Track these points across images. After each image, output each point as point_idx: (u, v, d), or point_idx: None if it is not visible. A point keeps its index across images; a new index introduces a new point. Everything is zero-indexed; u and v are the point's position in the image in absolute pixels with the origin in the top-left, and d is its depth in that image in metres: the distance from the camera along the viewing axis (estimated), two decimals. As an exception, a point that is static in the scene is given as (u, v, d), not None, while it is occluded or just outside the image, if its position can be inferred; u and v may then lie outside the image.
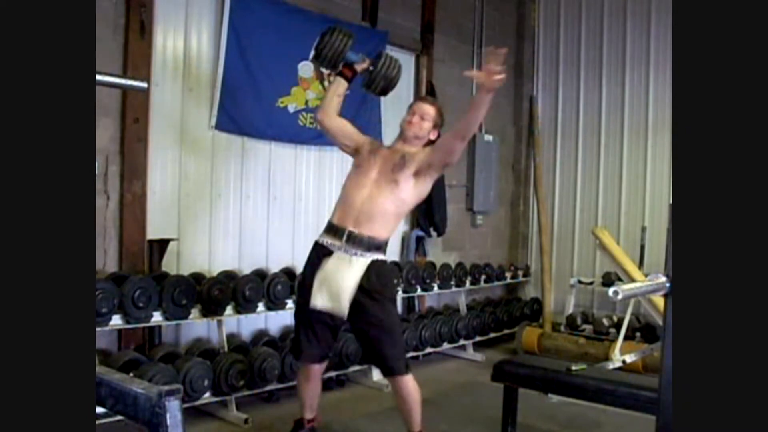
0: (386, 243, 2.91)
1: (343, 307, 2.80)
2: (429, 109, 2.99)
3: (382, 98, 5.15)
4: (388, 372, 2.94)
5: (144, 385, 1.23)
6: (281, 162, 4.55)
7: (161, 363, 3.37)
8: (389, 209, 2.87)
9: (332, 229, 2.89)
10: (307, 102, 4.59)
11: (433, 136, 2.98)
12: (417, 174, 2.88)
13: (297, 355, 3.07)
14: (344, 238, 2.82)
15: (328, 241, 2.88)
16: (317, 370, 3.05)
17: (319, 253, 2.89)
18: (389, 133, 5.24)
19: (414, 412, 2.94)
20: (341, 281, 2.80)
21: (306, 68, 4.57)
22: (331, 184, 4.87)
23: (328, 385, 4.27)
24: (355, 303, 2.80)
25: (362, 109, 5.00)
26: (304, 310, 2.90)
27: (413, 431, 3.00)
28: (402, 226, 5.38)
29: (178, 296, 3.48)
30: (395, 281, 2.96)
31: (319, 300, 2.82)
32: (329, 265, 2.83)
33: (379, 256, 2.86)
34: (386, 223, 2.89)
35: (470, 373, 4.83)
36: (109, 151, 3.63)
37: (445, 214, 5.59)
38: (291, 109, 4.50)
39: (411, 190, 2.91)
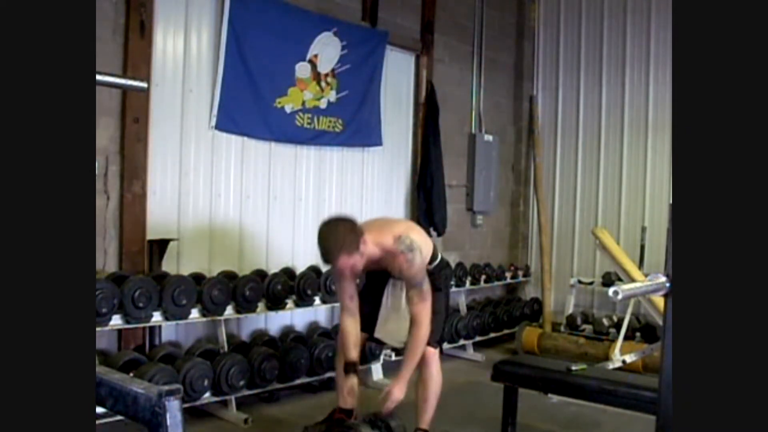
0: (433, 257, 3.16)
1: (402, 342, 3.13)
2: (341, 262, 2.84)
3: (382, 98, 5.18)
4: None
5: (144, 385, 1.22)
6: (281, 162, 4.55)
7: (161, 363, 3.37)
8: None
9: None
10: (304, 102, 4.59)
11: (364, 247, 2.88)
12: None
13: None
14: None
15: None
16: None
17: None
18: (390, 133, 5.26)
19: (430, 401, 3.05)
20: (401, 308, 3.15)
21: (303, 69, 4.57)
22: (331, 184, 4.88)
23: (328, 385, 4.27)
24: None
25: (363, 109, 5.00)
26: (363, 300, 3.20)
27: (421, 428, 3.01)
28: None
29: (178, 296, 3.48)
30: (444, 277, 3.27)
31: (382, 333, 3.19)
32: (391, 288, 3.23)
33: (431, 266, 3.13)
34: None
35: (470, 373, 4.83)
36: (109, 151, 3.63)
37: (445, 214, 5.59)
38: (288, 109, 4.50)
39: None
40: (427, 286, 2.99)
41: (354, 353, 3.13)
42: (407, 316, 3.08)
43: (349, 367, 3.13)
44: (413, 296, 2.98)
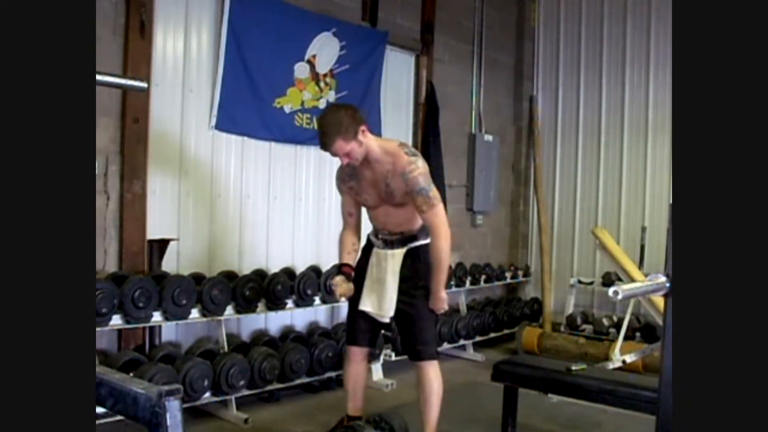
0: (422, 228, 3.04)
1: (387, 315, 3.02)
2: (337, 146, 2.82)
3: (382, 98, 5.18)
4: (414, 356, 3.04)
5: (144, 385, 1.22)
6: (281, 162, 4.55)
7: (161, 363, 3.37)
8: (409, 213, 3.01)
9: (374, 233, 3.17)
10: (302, 102, 4.59)
11: (363, 137, 2.84)
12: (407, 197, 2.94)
13: (346, 339, 3.29)
14: (381, 241, 3.10)
15: (373, 239, 3.16)
16: (357, 353, 3.17)
17: (369, 246, 3.18)
18: (389, 133, 5.25)
19: (432, 405, 2.99)
20: (386, 280, 3.02)
21: (302, 69, 4.57)
22: (331, 183, 4.85)
23: (328, 385, 4.27)
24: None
25: (362, 109, 4.98)
26: (353, 304, 3.12)
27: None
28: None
29: (178, 296, 3.48)
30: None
31: (368, 304, 3.06)
32: (376, 259, 3.09)
33: (417, 243, 3.04)
34: (414, 219, 3.02)
35: (470, 373, 4.83)
36: (109, 151, 3.63)
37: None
38: (287, 109, 4.50)
39: None
40: (434, 192, 2.87)
41: (347, 258, 3.16)
42: (392, 287, 3.00)
43: (339, 269, 3.15)
44: (421, 204, 2.85)
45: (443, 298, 2.98)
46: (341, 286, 3.06)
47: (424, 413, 3.01)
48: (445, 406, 3.03)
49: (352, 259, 3.16)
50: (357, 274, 3.14)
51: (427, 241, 3.01)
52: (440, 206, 2.90)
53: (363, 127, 2.85)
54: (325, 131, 2.83)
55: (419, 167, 2.85)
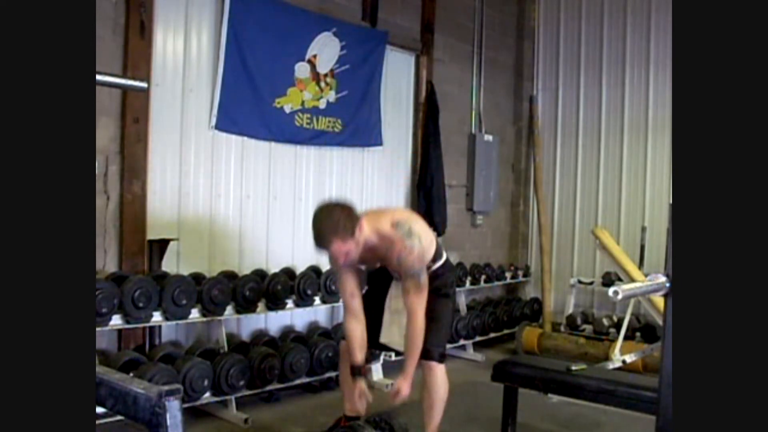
0: (437, 254, 3.05)
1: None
2: (335, 247, 2.72)
3: (382, 98, 5.18)
4: (425, 354, 3.00)
5: (144, 385, 1.22)
6: (281, 162, 4.55)
7: (161, 363, 3.37)
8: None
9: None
10: (303, 102, 4.59)
11: (359, 233, 2.75)
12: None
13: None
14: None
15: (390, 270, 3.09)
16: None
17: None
18: (390, 133, 5.26)
19: (436, 407, 2.99)
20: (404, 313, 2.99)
21: (302, 69, 4.57)
22: (331, 184, 4.88)
23: (328, 385, 4.27)
24: None
25: (362, 109, 5.00)
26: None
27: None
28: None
29: (178, 296, 3.48)
30: (451, 280, 3.11)
31: (387, 337, 3.07)
32: (394, 291, 3.08)
33: (435, 266, 3.03)
34: (430, 251, 3.00)
35: (470, 373, 4.83)
36: (109, 151, 3.63)
37: (444, 214, 5.59)
38: (287, 109, 4.50)
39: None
40: (425, 279, 2.88)
41: (360, 356, 3.02)
42: None
43: (356, 371, 3.03)
44: (410, 287, 2.85)
45: (410, 383, 2.90)
46: (367, 394, 3.02)
47: (426, 415, 3.00)
48: (446, 406, 3.03)
49: (364, 356, 3.06)
50: (375, 298, 3.11)
51: (444, 259, 3.05)
52: (425, 293, 2.88)
53: (359, 224, 2.76)
54: (321, 233, 2.71)
55: (414, 252, 2.83)
